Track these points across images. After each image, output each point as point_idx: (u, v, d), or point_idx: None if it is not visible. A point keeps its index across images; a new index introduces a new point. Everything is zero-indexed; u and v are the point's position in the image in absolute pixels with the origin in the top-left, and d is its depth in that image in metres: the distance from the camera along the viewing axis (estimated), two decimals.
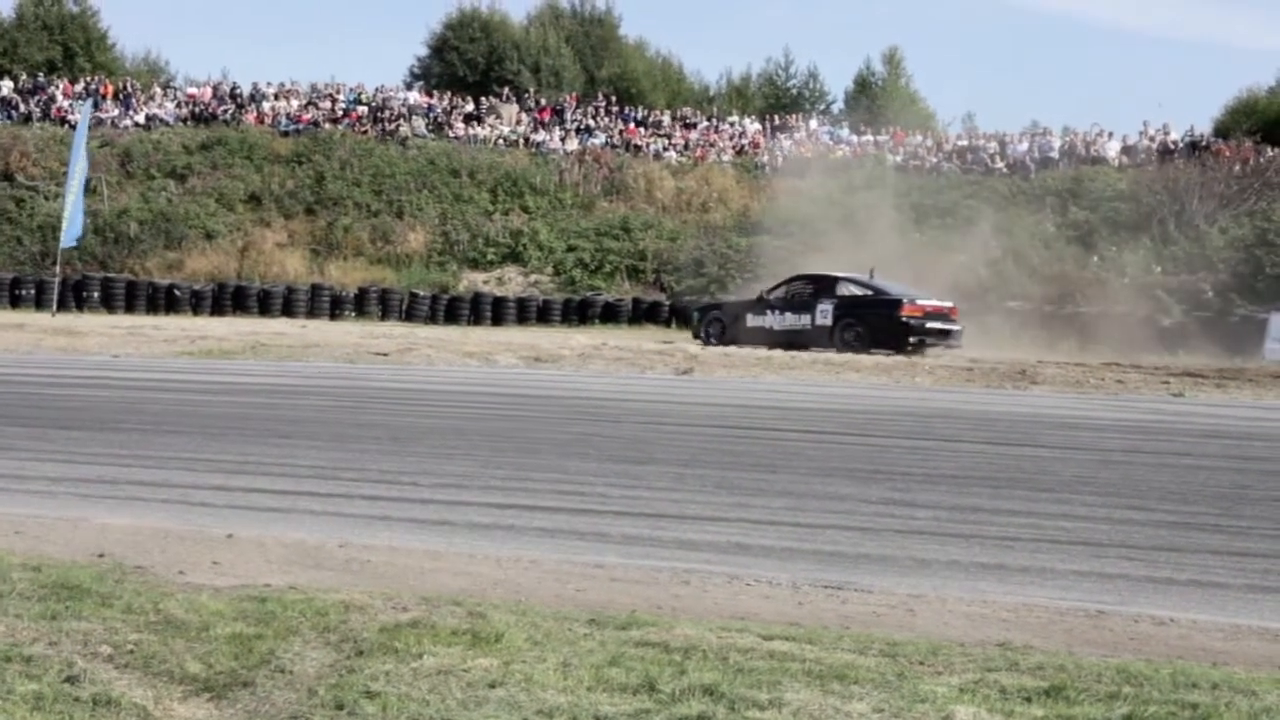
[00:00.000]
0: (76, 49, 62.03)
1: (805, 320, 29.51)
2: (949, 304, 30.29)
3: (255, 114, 51.48)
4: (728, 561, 8.42)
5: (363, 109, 51.77)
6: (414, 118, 51.00)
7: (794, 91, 67.75)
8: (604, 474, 11.54)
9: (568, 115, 52.14)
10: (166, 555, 8.04)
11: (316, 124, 50.70)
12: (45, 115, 51.73)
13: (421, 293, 41.64)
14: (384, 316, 40.54)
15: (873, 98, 64.65)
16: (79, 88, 53.95)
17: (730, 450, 13.35)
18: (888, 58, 67.25)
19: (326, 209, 46.30)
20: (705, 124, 52.60)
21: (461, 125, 50.88)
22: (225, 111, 51.68)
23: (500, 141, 50.07)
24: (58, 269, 38.63)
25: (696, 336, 31.22)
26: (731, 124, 52.62)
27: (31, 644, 5.78)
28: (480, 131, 50.44)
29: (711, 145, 50.53)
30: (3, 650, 5.65)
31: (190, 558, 8.00)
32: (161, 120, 51.45)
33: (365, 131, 50.24)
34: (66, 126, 49.46)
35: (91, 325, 29.56)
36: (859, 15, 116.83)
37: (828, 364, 24.83)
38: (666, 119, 52.76)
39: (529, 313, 40.93)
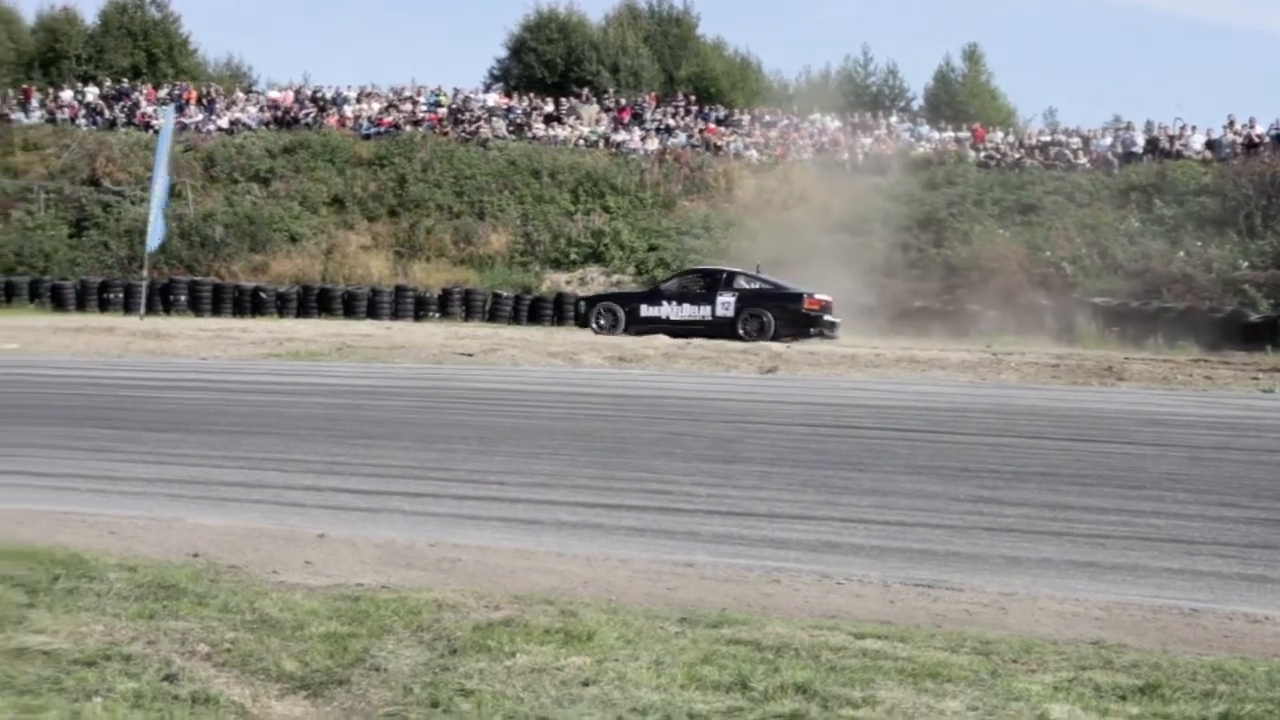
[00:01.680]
0: (160, 55, 62.85)
1: (705, 311, 31.19)
2: (831, 298, 32.20)
3: (337, 117, 51.76)
4: (817, 560, 8.42)
5: (443, 111, 51.96)
6: (494, 119, 51.14)
7: (874, 89, 67.51)
8: (691, 473, 11.53)
9: (647, 115, 52.12)
10: (260, 555, 8.12)
11: (397, 126, 50.93)
12: (130, 121, 52.27)
13: (504, 293, 41.71)
14: (467, 317, 40.61)
15: (953, 94, 64.35)
16: (163, 93, 54.52)
17: (817, 449, 13.29)
18: (967, 54, 66.85)
19: (409, 211, 46.47)
20: (785, 122, 52.43)
21: (541, 126, 50.96)
22: (307, 115, 52.01)
23: (580, 142, 50.11)
24: (145, 272, 38.97)
25: (584, 326, 32.49)
26: (812, 121, 52.40)
27: (130, 643, 5.86)
28: (560, 132, 50.51)
29: (792, 143, 50.36)
30: (102, 649, 5.73)
31: (283, 557, 8.08)
32: (244, 124, 51.87)
33: (446, 134, 50.42)
34: (151, 132, 49.93)
35: (179, 328, 29.83)
36: (938, 10, 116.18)
37: (912, 361, 24.70)
38: (746, 118, 52.64)
39: None
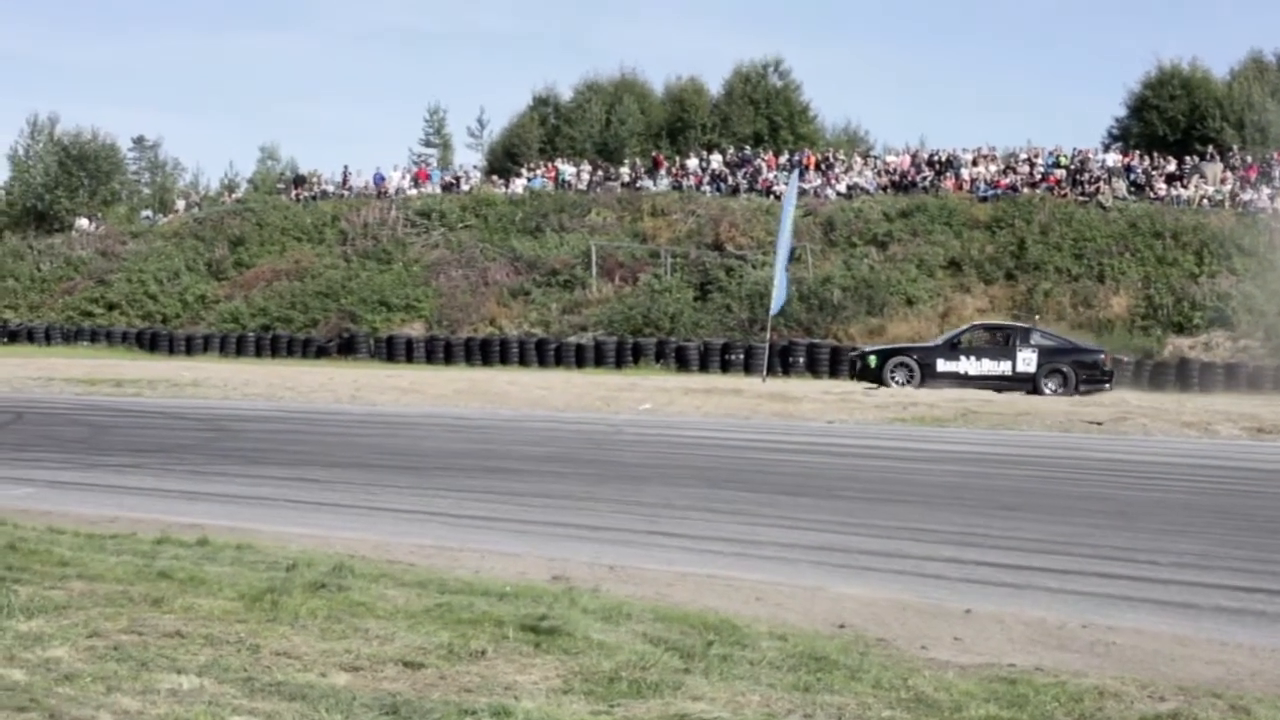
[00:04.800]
0: (780, 122, 64.52)
1: (1005, 366, 32.04)
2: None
3: (953, 180, 51.70)
4: None
5: (1060, 172, 51.08)
6: (1114, 179, 49.88)
7: None
8: None
9: (1276, 172, 49.68)
10: (906, 629, 8.03)
11: (1014, 188, 50.37)
12: (752, 187, 53.80)
13: (1124, 358, 40.43)
14: None
15: None
16: (783, 160, 55.88)
17: None
18: None
19: (1026, 274, 45.80)
20: None
21: (1163, 186, 49.36)
22: (924, 179, 52.20)
23: (1205, 202, 48.21)
24: (768, 335, 39.86)
25: (873, 381, 32.31)
26: None
27: (787, 715, 5.87)
28: (1184, 192, 48.77)
29: None
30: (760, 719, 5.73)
31: (930, 632, 7.96)
32: (862, 189, 52.49)
33: (1064, 195, 49.50)
34: (771, 197, 51.32)
35: (802, 390, 30.28)
36: None
37: None
38: None
39: (1238, 380, 38.95)
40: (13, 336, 52.80)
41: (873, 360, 32.90)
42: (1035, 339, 32.62)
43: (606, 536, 11.29)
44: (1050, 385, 31.57)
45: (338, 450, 18.31)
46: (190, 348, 49.49)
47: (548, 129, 66.14)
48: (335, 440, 19.91)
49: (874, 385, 31.99)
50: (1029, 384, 31.55)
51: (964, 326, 35.52)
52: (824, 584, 9.37)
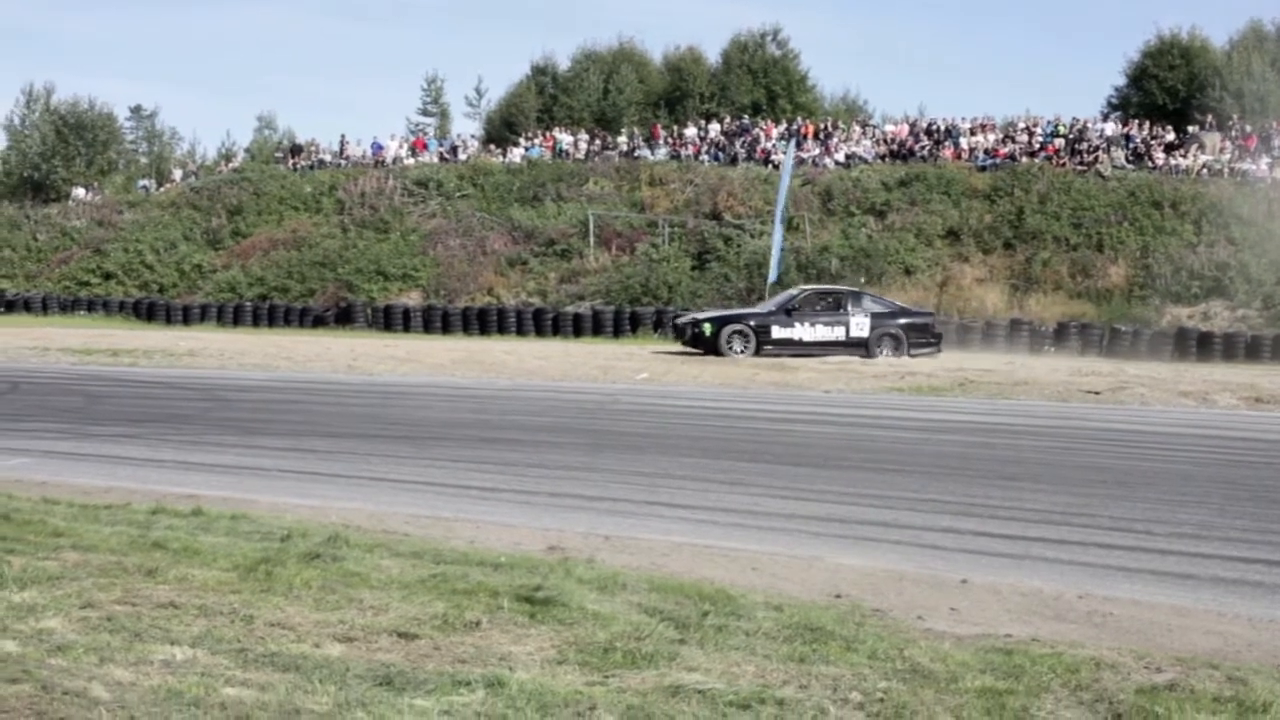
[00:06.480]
0: (779, 91, 64.42)
1: (839, 332, 31.93)
2: None
3: (952, 150, 51.60)
4: None
5: (1059, 141, 50.97)
6: (1113, 149, 49.77)
7: None
8: None
9: (1275, 142, 49.56)
10: (903, 599, 8.02)
11: (1013, 158, 50.28)
12: (750, 156, 53.69)
13: (1122, 328, 40.40)
14: (1083, 351, 39.50)
15: None
16: (781, 129, 55.74)
17: None
18: None
19: (1025, 243, 45.78)
20: None
21: (1162, 155, 49.26)
22: (922, 148, 52.09)
23: (1203, 171, 48.12)
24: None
25: (707, 350, 31.77)
26: None
27: (782, 686, 5.84)
28: (1182, 161, 48.66)
29: None
30: (755, 691, 5.72)
31: (927, 602, 7.95)
32: (860, 158, 52.39)
33: (1063, 164, 49.40)
34: (770, 166, 51.24)
35: (799, 360, 30.29)
36: None
37: None
38: None
39: (1236, 349, 38.94)
40: (9, 306, 52.69)
41: (708, 328, 32.13)
42: (866, 303, 32.77)
43: (603, 506, 11.26)
44: (883, 349, 31.74)
45: (334, 420, 18.26)
46: (187, 317, 49.42)
47: (545, 98, 66.02)
48: (332, 410, 19.87)
49: (703, 353, 31.72)
50: (862, 348, 31.66)
51: (795, 290, 34.87)
52: (821, 554, 9.34)
